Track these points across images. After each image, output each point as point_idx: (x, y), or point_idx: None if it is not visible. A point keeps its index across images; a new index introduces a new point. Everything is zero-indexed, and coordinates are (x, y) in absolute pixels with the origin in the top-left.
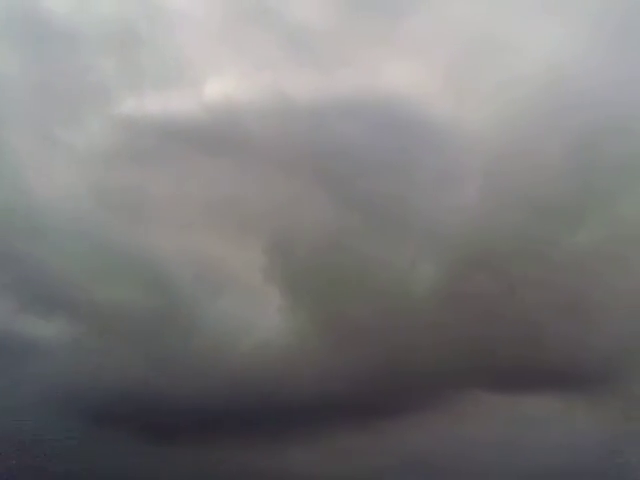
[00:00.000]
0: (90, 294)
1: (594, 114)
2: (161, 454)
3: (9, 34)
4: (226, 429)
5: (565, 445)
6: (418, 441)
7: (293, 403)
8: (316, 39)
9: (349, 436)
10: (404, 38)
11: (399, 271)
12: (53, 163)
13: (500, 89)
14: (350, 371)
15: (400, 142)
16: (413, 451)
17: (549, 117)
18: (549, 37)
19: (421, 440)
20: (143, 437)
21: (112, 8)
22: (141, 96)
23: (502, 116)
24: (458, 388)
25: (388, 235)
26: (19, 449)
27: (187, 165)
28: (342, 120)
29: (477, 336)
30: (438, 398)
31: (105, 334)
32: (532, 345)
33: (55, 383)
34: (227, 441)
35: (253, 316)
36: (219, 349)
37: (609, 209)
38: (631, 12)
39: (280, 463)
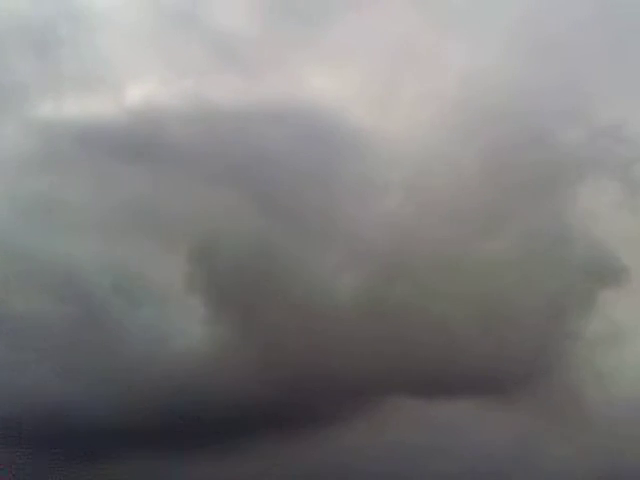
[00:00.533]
0: (2, 305)
1: (509, 127)
2: (80, 472)
3: None
4: (147, 443)
5: (482, 448)
6: (341, 449)
7: (216, 414)
8: (241, 46)
9: (272, 446)
10: (329, 47)
11: (322, 280)
12: None
13: (421, 100)
14: (273, 381)
15: (324, 151)
16: (336, 459)
17: (466, 129)
18: (464, 50)
19: (344, 448)
20: (61, 455)
21: (30, 6)
22: (59, 99)
23: (422, 128)
24: (380, 395)
25: (311, 244)
26: None
27: (106, 171)
28: (266, 127)
29: (397, 344)
30: (360, 405)
31: (18, 347)
32: (450, 351)
33: None
34: (149, 455)
35: (175, 326)
36: (140, 361)
37: (521, 222)
38: (545, 26)
39: (203, 475)
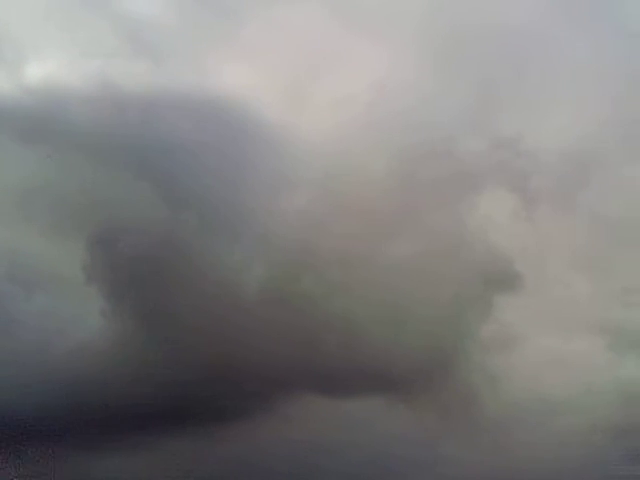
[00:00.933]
0: None
1: (416, 133)
2: None
3: None
4: (40, 438)
5: (389, 444)
6: (246, 446)
7: (115, 409)
8: (154, 33)
9: (174, 442)
10: (244, 41)
11: (229, 272)
12: None
13: (334, 100)
14: (176, 375)
15: (234, 143)
16: (241, 457)
17: (376, 133)
18: (378, 53)
19: (249, 445)
20: None
21: None
22: None
23: (335, 127)
24: (286, 392)
25: (218, 236)
26: None
27: (1, 151)
28: (175, 116)
29: (304, 338)
30: (266, 402)
31: None
32: (353, 349)
33: None
34: (41, 451)
35: (72, 317)
36: (33, 352)
37: (425, 224)
38: (454, 37)
39: (101, 473)
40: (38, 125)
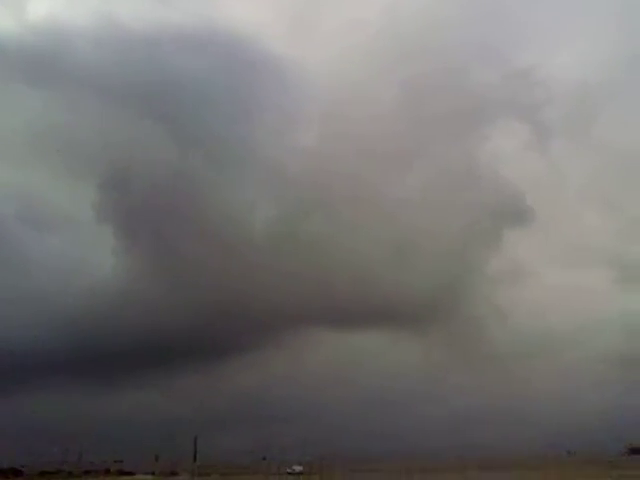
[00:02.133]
0: None
1: (426, 63)
2: None
3: None
4: (59, 374)
5: (398, 375)
6: (258, 379)
7: (128, 345)
8: None
9: (188, 377)
10: None
11: (237, 210)
12: None
13: (342, 30)
14: (188, 311)
15: (243, 79)
16: (252, 389)
17: (385, 62)
18: None
19: (260, 378)
20: None
21: None
22: None
23: (342, 59)
24: (296, 326)
25: (227, 174)
26: None
27: (6, 92)
28: (181, 53)
29: (313, 275)
30: (276, 337)
31: None
32: (362, 284)
33: None
34: (61, 386)
35: (85, 256)
36: (48, 291)
37: (433, 159)
38: None
39: (117, 406)
40: (43, 65)
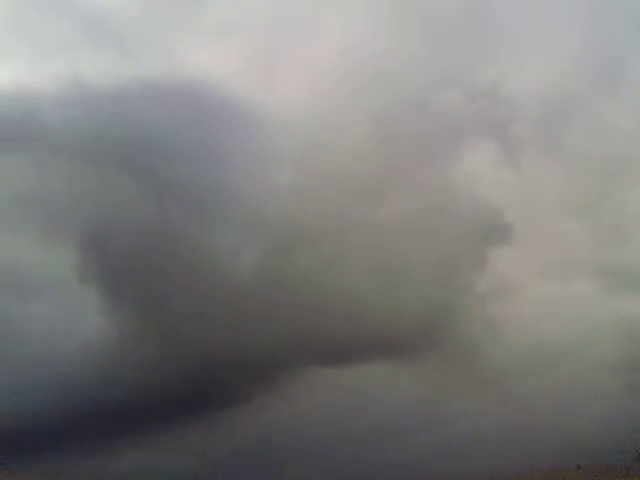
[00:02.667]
0: None
1: (390, 95)
2: None
3: None
4: (55, 440)
5: (392, 407)
6: (256, 427)
7: (123, 404)
8: (115, 21)
9: (187, 432)
10: (208, 24)
11: (221, 258)
12: None
13: (303, 72)
14: (180, 365)
15: (211, 127)
16: (252, 437)
17: (349, 99)
18: (347, 25)
19: (259, 425)
20: None
21: None
22: None
23: (308, 99)
24: (289, 368)
25: (207, 223)
26: None
27: None
28: (148, 106)
29: (303, 314)
30: (271, 381)
31: None
32: (352, 318)
33: None
34: (57, 452)
35: (72, 319)
36: (36, 357)
37: (409, 186)
38: (423, 5)
39: (117, 467)
40: (12, 130)
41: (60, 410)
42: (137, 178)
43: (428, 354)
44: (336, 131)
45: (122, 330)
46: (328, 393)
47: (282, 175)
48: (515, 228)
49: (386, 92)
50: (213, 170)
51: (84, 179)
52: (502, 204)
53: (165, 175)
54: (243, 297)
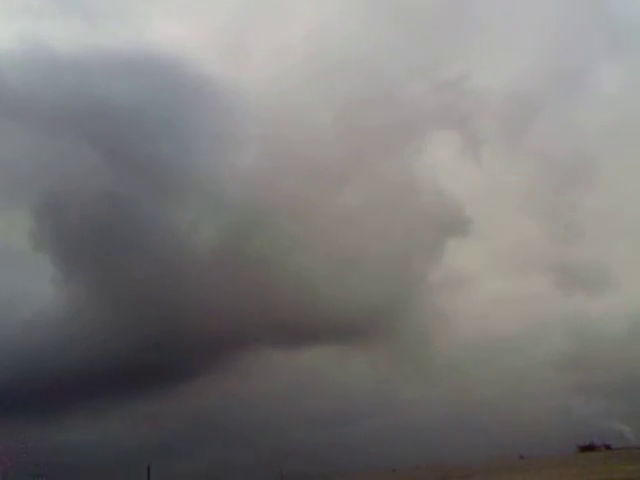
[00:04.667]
0: None
1: (357, 81)
2: None
3: None
4: (5, 409)
5: (344, 390)
6: (206, 403)
7: (74, 375)
8: None
9: (137, 403)
10: None
11: (178, 233)
12: None
13: (271, 53)
14: (134, 337)
15: (176, 102)
16: (202, 414)
17: (316, 83)
18: (315, 10)
19: (209, 402)
20: None
21: None
22: None
23: (274, 81)
24: (243, 347)
25: (166, 197)
26: None
27: None
28: (112, 76)
29: (258, 295)
30: (224, 358)
31: None
32: (307, 301)
33: None
34: (9, 421)
35: (23, 287)
36: None
37: (370, 174)
38: None
39: (64, 438)
40: None
41: (10, 377)
42: (97, 149)
43: (380, 341)
44: (301, 113)
45: (75, 299)
46: (282, 373)
47: (245, 155)
48: (474, 222)
49: (352, 77)
50: (175, 146)
51: (43, 146)
52: (463, 198)
53: (126, 148)
54: (200, 271)
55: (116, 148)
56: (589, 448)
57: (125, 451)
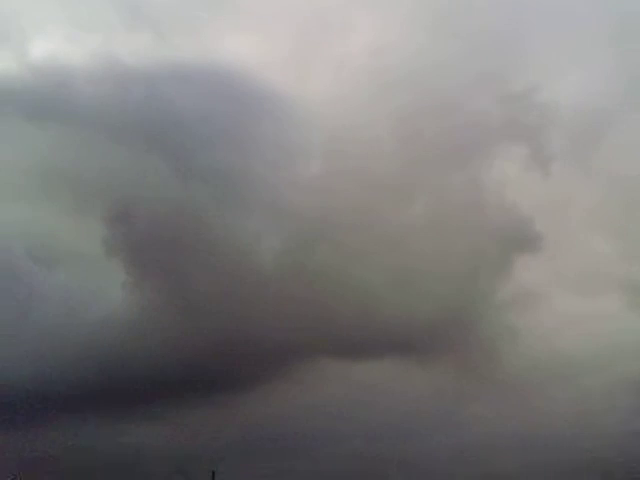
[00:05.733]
0: None
1: (420, 95)
2: (4, 440)
3: None
4: (69, 409)
5: (404, 405)
6: (266, 411)
7: (140, 379)
8: (153, 5)
9: (200, 410)
10: (244, 11)
11: (244, 243)
12: None
13: (334, 68)
14: (197, 344)
15: (240, 113)
16: (262, 422)
17: (380, 97)
18: (375, 21)
19: (269, 410)
20: None
21: None
22: None
23: (340, 95)
24: (302, 357)
25: (232, 207)
26: None
27: (12, 131)
28: (179, 88)
29: (319, 306)
30: (283, 368)
31: None
32: (370, 313)
33: None
34: (73, 419)
35: (94, 291)
36: (59, 326)
37: (435, 188)
38: (458, 6)
39: (129, 439)
40: (46, 104)
41: (77, 379)
42: (165, 158)
43: (443, 356)
44: (365, 127)
45: (143, 305)
46: (340, 385)
47: (308, 168)
48: (544, 238)
49: (415, 91)
50: (241, 157)
51: (114, 155)
52: (532, 213)
53: (193, 158)
54: (263, 281)
55: (183, 158)
56: None
57: (187, 457)
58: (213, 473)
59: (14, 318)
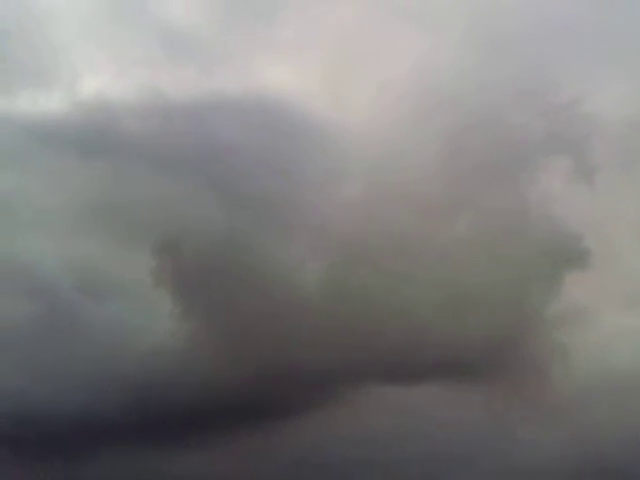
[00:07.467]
0: None
1: (462, 110)
2: (55, 472)
3: None
4: (119, 438)
5: (458, 432)
6: (316, 439)
7: (188, 407)
8: (194, 38)
9: (245, 438)
10: (284, 39)
11: (287, 270)
12: None
13: (378, 90)
14: (244, 372)
15: (283, 142)
16: (309, 450)
17: (422, 119)
18: (418, 43)
19: (318, 438)
20: (23, 454)
21: None
22: (10, 95)
23: (380, 117)
24: (350, 383)
25: (275, 234)
26: None
27: (62, 166)
28: (223, 119)
29: (365, 331)
30: (331, 394)
31: None
32: (417, 336)
33: None
34: (122, 450)
35: (144, 321)
36: (108, 357)
37: (480, 205)
38: (496, 21)
39: (177, 469)
40: (94, 140)
41: (125, 410)
42: (211, 189)
43: (493, 377)
44: (406, 146)
45: (190, 334)
46: (391, 410)
47: (351, 192)
48: (593, 253)
49: (459, 111)
50: (284, 184)
51: (160, 187)
52: (580, 227)
53: (237, 187)
54: (307, 309)
55: (228, 188)
56: None
57: None
58: None
59: (63, 350)
